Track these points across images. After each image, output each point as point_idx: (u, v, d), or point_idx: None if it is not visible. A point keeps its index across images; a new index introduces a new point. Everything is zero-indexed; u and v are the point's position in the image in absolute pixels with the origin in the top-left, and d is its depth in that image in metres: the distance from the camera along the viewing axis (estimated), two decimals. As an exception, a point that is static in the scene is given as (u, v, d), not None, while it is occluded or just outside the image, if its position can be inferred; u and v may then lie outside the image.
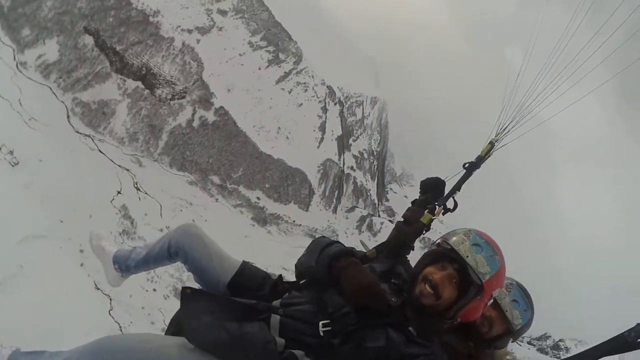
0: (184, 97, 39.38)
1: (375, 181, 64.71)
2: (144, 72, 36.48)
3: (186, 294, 2.09)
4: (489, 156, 2.76)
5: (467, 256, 2.14)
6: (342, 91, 58.63)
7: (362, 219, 60.02)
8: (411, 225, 2.72)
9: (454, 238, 2.24)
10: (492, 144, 2.71)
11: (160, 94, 37.75)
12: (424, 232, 2.72)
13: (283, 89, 53.22)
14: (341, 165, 60.51)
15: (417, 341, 2.08)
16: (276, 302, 2.21)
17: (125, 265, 2.81)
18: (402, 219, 2.81)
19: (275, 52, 52.29)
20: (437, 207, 2.72)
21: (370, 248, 2.67)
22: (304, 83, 54.90)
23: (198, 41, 43.40)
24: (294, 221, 51.60)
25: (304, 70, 54.17)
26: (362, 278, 2.15)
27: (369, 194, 62.67)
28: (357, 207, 62.73)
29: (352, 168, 61.98)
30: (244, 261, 2.49)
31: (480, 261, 2.13)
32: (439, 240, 2.34)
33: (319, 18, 57.75)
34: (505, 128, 2.59)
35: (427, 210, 2.71)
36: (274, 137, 54.09)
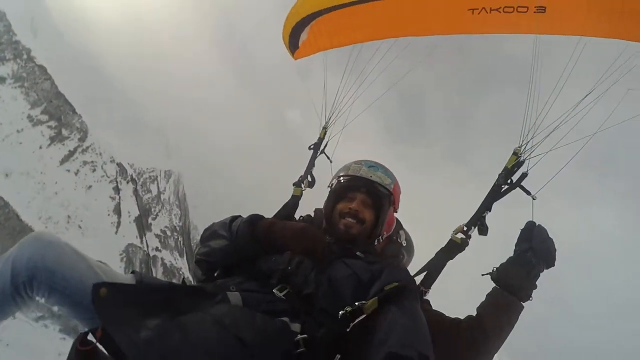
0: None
1: (185, 257, 60.93)
2: None
3: (101, 298, 1.46)
4: (325, 139, 3.28)
5: (371, 176, 2.41)
6: (134, 167, 54.57)
7: (182, 302, 55.31)
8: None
9: (349, 170, 2.48)
10: (325, 129, 3.27)
11: None
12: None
13: (69, 170, 46.01)
14: (145, 248, 55.18)
15: (371, 260, 2.12)
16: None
17: None
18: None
19: (57, 127, 44.84)
20: (301, 182, 3.00)
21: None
22: (92, 162, 48.73)
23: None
24: (109, 323, 43.83)
25: (91, 147, 48.21)
26: (293, 225, 2.18)
27: (181, 272, 58.78)
28: (173, 289, 57.27)
29: (157, 249, 57.30)
30: (135, 270, 1.93)
31: (382, 176, 2.43)
32: (334, 181, 2.54)
33: (104, 88, 52.80)
34: (329, 121, 3.28)
35: (294, 185, 2.98)
36: (65, 229, 46.20)
